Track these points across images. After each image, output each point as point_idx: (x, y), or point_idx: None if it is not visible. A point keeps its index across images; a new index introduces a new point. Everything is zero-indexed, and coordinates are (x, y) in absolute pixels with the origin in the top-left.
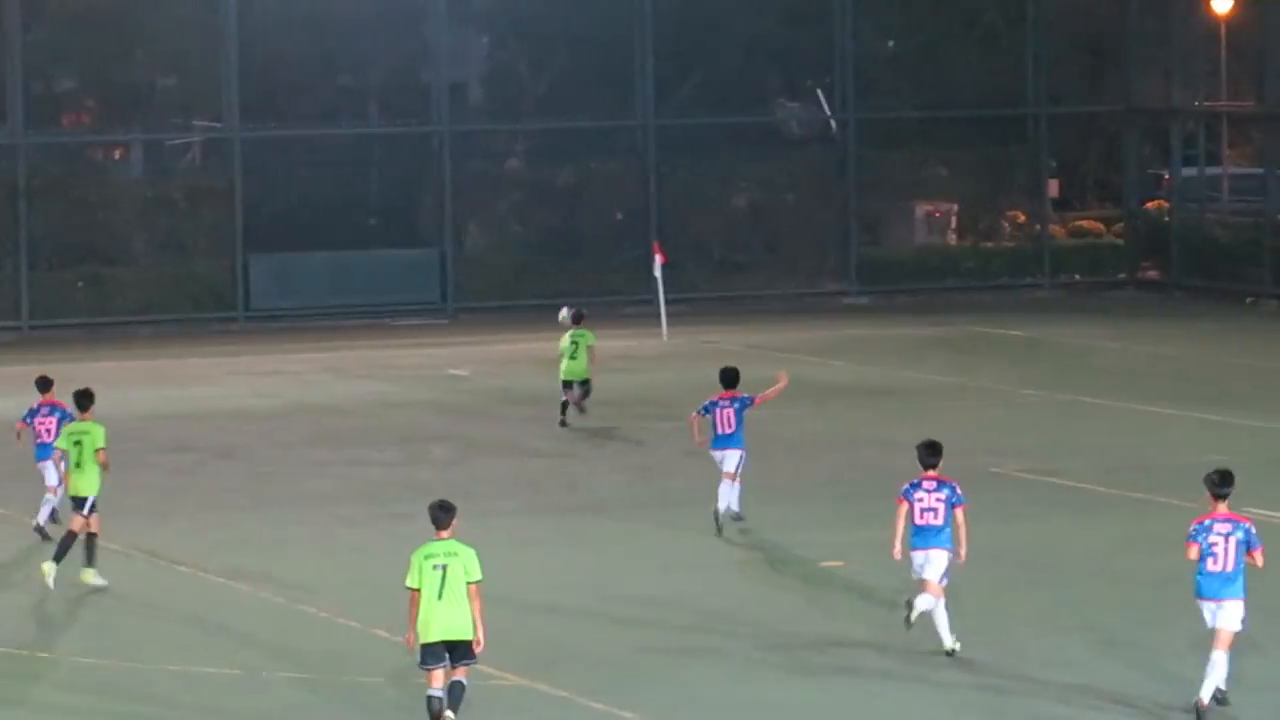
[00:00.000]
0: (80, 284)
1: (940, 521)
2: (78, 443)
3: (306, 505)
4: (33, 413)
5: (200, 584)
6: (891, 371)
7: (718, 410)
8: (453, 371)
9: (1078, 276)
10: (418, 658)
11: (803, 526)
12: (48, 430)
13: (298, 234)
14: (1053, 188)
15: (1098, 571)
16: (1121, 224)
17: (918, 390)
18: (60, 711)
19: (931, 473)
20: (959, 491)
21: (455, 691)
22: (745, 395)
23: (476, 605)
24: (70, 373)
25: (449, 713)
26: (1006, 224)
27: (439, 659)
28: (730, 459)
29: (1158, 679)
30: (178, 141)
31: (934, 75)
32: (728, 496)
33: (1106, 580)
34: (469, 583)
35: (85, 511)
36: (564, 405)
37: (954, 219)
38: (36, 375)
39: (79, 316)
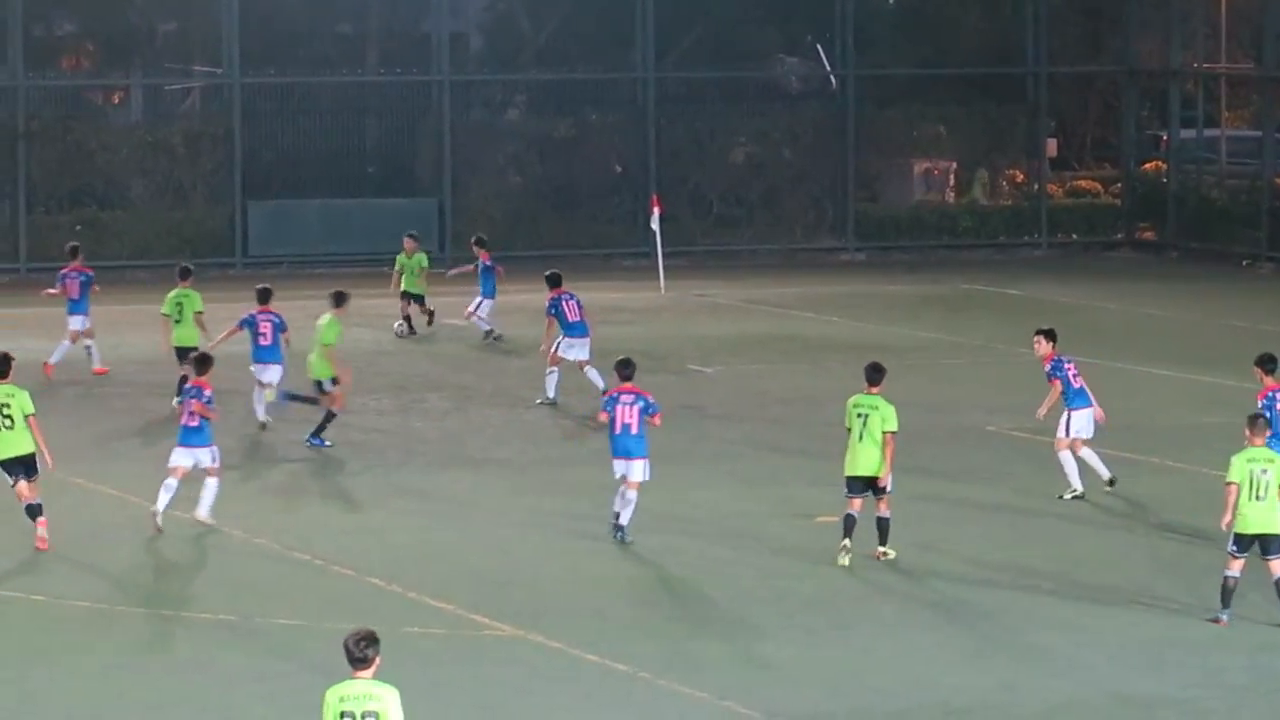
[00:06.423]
0: (78, 227)
1: None
2: None
3: (301, 453)
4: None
5: (195, 531)
6: (887, 328)
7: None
8: (448, 321)
9: (1074, 236)
10: (845, 489)
11: (799, 482)
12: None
13: (296, 181)
14: (1051, 147)
15: (1089, 529)
16: (1119, 185)
17: (913, 347)
18: (46, 652)
19: None
20: None
21: (881, 525)
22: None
23: (889, 450)
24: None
25: (881, 547)
26: (1004, 183)
27: (858, 491)
28: None
29: (1148, 638)
30: (177, 87)
31: (934, 33)
32: None
33: (1097, 539)
34: (884, 431)
35: None
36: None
37: (952, 177)
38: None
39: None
